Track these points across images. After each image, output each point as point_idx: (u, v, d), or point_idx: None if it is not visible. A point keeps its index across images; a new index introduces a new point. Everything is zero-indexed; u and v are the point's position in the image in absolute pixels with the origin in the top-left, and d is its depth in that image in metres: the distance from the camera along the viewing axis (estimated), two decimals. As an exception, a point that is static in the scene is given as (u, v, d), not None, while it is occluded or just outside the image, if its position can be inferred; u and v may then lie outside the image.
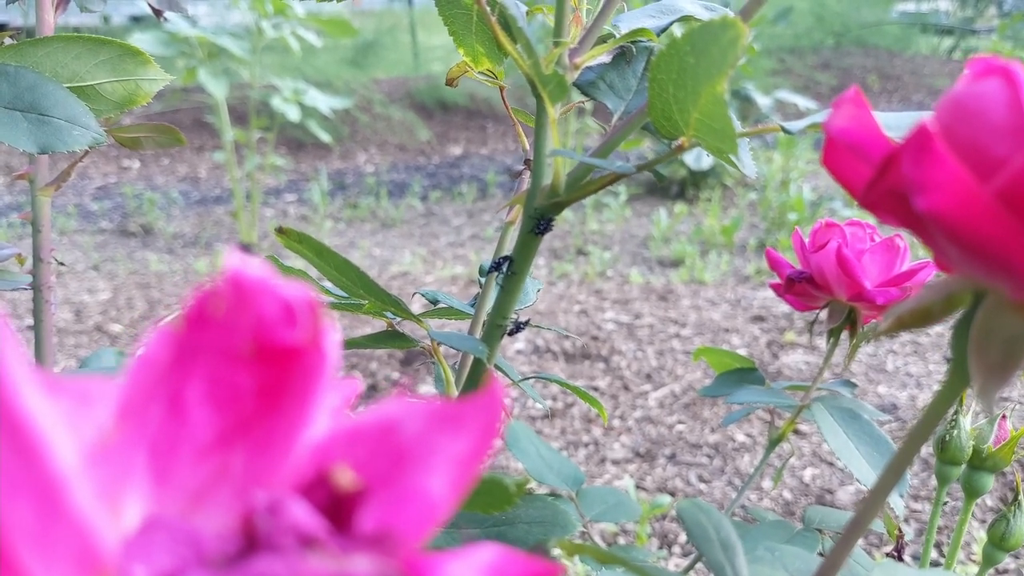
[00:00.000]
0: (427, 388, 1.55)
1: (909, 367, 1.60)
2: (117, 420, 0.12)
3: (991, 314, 0.20)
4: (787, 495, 1.20)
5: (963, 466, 0.48)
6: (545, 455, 0.59)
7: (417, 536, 0.12)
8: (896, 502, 0.44)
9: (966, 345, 0.21)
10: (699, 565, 0.69)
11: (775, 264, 0.50)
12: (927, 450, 1.18)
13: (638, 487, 1.23)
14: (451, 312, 0.45)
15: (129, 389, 0.12)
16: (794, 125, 0.30)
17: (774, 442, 0.53)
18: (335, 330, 0.14)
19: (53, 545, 0.11)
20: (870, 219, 0.50)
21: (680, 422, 1.41)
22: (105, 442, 0.12)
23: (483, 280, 0.46)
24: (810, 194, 2.61)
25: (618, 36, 0.36)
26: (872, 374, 1.57)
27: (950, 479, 0.48)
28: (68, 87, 0.41)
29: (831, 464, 1.27)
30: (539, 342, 1.70)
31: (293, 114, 2.81)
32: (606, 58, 0.37)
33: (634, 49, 0.38)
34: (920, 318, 0.22)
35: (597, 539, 1.07)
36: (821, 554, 0.45)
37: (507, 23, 0.32)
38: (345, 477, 0.12)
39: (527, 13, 0.39)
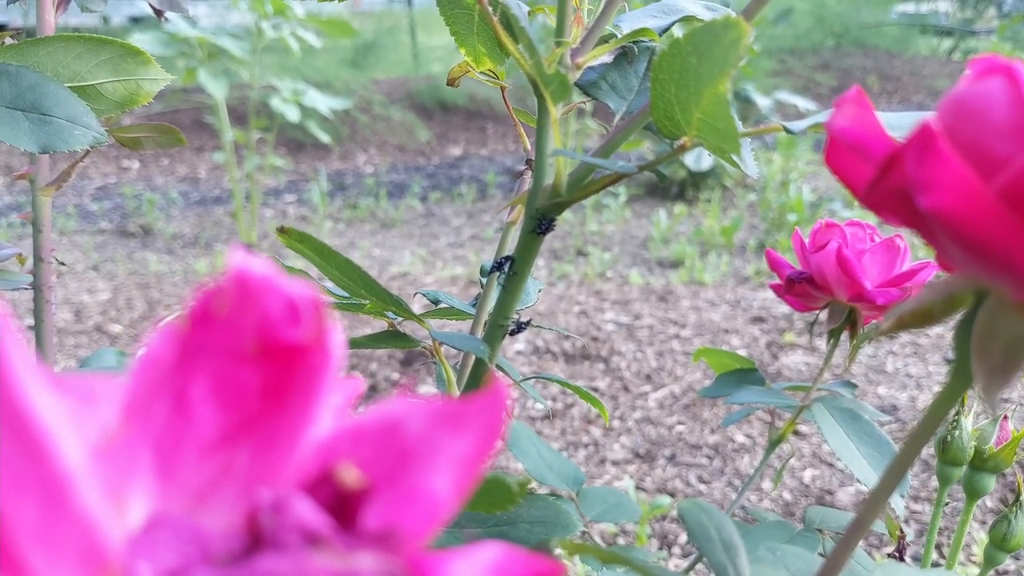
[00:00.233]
0: (427, 388, 1.55)
1: (909, 368, 1.60)
2: (122, 418, 0.12)
3: (993, 314, 0.20)
4: (787, 496, 1.20)
5: (964, 467, 0.48)
6: (545, 455, 0.59)
7: (421, 535, 0.12)
8: (897, 503, 0.44)
9: (968, 346, 0.21)
10: (699, 566, 0.69)
11: (775, 265, 0.50)
12: (928, 451, 1.18)
13: (638, 488, 1.23)
14: (452, 312, 0.45)
15: (134, 387, 0.12)
16: (796, 125, 0.30)
17: (774, 443, 0.53)
18: (339, 329, 0.14)
19: (59, 543, 0.11)
20: (870, 219, 0.50)
21: (680, 423, 1.41)
22: (110, 440, 0.12)
23: (484, 280, 0.46)
24: (810, 195, 2.62)
25: (620, 36, 0.36)
26: (872, 375, 1.57)
27: (951, 480, 0.48)
28: (69, 87, 0.41)
29: (831, 465, 1.27)
30: (539, 343, 1.70)
31: (293, 115, 2.81)
32: (608, 58, 0.37)
33: (636, 49, 0.38)
34: (921, 318, 0.22)
35: (597, 539, 1.07)
36: (822, 554, 0.45)
37: (509, 23, 0.32)
38: (350, 475, 0.12)
39: (528, 13, 0.39)
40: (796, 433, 1.36)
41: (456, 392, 0.42)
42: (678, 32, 0.30)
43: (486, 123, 4.10)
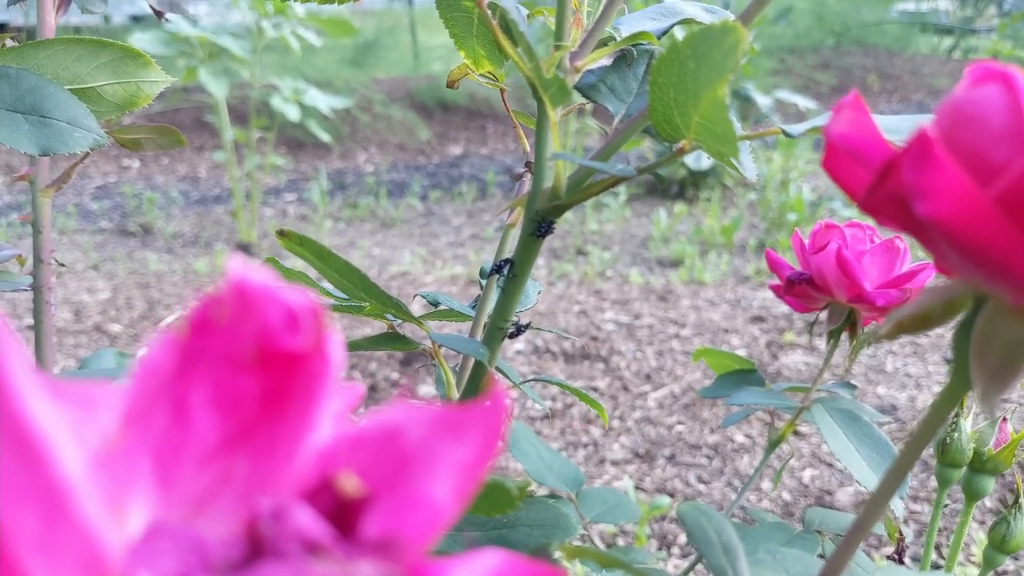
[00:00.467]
0: (427, 389, 1.55)
1: (908, 368, 1.60)
2: (121, 425, 0.12)
3: (992, 319, 0.20)
4: (786, 496, 1.20)
5: (963, 469, 0.48)
6: (545, 456, 0.59)
7: (421, 542, 0.13)
8: (896, 504, 0.44)
9: (967, 349, 0.21)
10: (699, 566, 0.69)
11: (775, 265, 0.50)
12: (927, 451, 1.18)
13: (637, 488, 1.23)
14: (452, 314, 0.45)
15: (133, 395, 0.13)
16: (795, 129, 0.30)
17: (774, 443, 0.53)
18: (338, 335, 0.14)
19: (58, 552, 0.11)
20: (870, 220, 0.50)
21: (679, 423, 1.41)
22: (110, 448, 0.12)
23: (484, 282, 0.46)
24: (810, 194, 2.62)
25: (619, 39, 0.36)
26: (871, 375, 1.57)
27: (951, 481, 0.48)
28: (69, 89, 0.41)
29: (830, 465, 1.27)
30: (539, 342, 1.70)
31: (293, 114, 2.81)
32: (607, 61, 0.37)
33: (635, 52, 0.38)
34: (921, 323, 0.22)
35: (596, 540, 1.07)
36: (821, 556, 0.45)
37: (508, 26, 0.32)
38: (350, 483, 0.12)
39: (527, 15, 0.39)
40: (796, 433, 1.36)
41: (455, 394, 0.42)
42: (677, 35, 0.30)
43: (486, 122, 4.10)
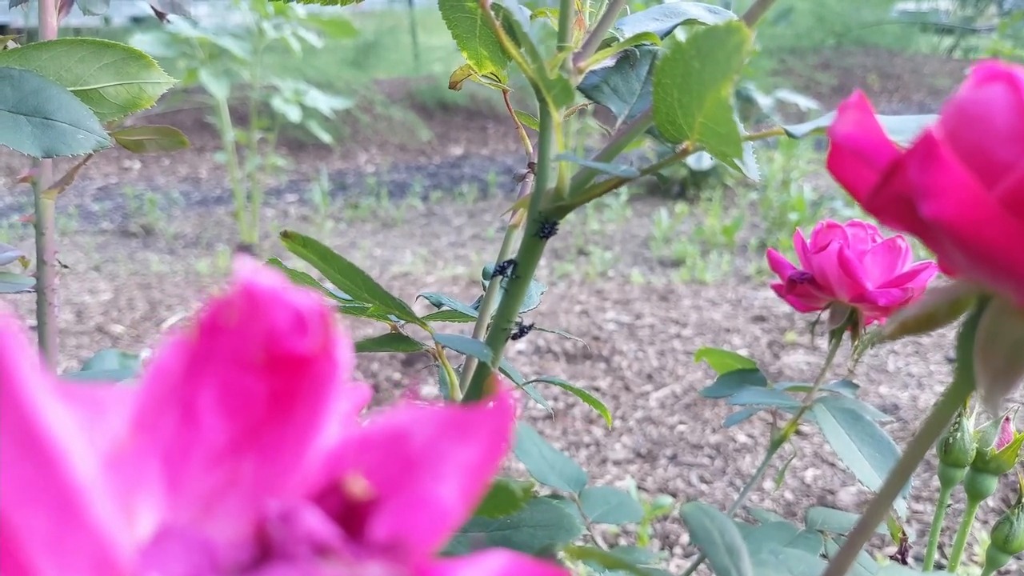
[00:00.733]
0: (429, 389, 1.55)
1: (911, 367, 1.60)
2: (131, 428, 0.12)
3: (996, 319, 0.20)
4: (789, 496, 1.20)
5: (966, 468, 0.48)
6: (547, 456, 0.59)
7: (428, 543, 0.13)
8: (899, 504, 0.44)
9: (971, 349, 0.21)
10: (701, 566, 0.69)
11: (776, 265, 0.50)
12: (930, 451, 1.18)
13: (639, 488, 1.23)
14: (454, 315, 0.45)
15: (142, 397, 0.13)
16: (798, 129, 0.30)
17: (776, 443, 0.53)
18: (345, 338, 0.14)
19: (69, 553, 0.11)
20: (872, 220, 0.50)
21: (681, 423, 1.41)
22: (119, 450, 0.12)
23: (487, 283, 0.46)
24: (811, 194, 2.61)
25: (622, 40, 0.36)
26: (873, 374, 1.57)
27: (953, 481, 0.48)
28: (72, 91, 0.41)
29: (833, 465, 1.27)
30: (540, 342, 1.70)
31: (294, 114, 2.81)
32: (610, 62, 0.37)
33: (638, 53, 0.38)
34: (925, 323, 0.22)
35: (599, 540, 1.07)
36: (824, 555, 0.45)
37: (511, 27, 0.32)
38: (357, 485, 0.12)
39: (530, 16, 0.39)
40: (798, 433, 1.36)
41: (459, 395, 0.42)
42: (680, 36, 0.30)
43: (487, 123, 4.10)
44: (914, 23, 6.13)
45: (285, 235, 0.34)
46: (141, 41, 2.38)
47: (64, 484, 0.10)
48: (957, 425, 0.47)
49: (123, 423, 0.12)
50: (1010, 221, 0.17)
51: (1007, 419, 0.47)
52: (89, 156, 0.44)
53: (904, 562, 0.46)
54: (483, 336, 0.44)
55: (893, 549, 1.02)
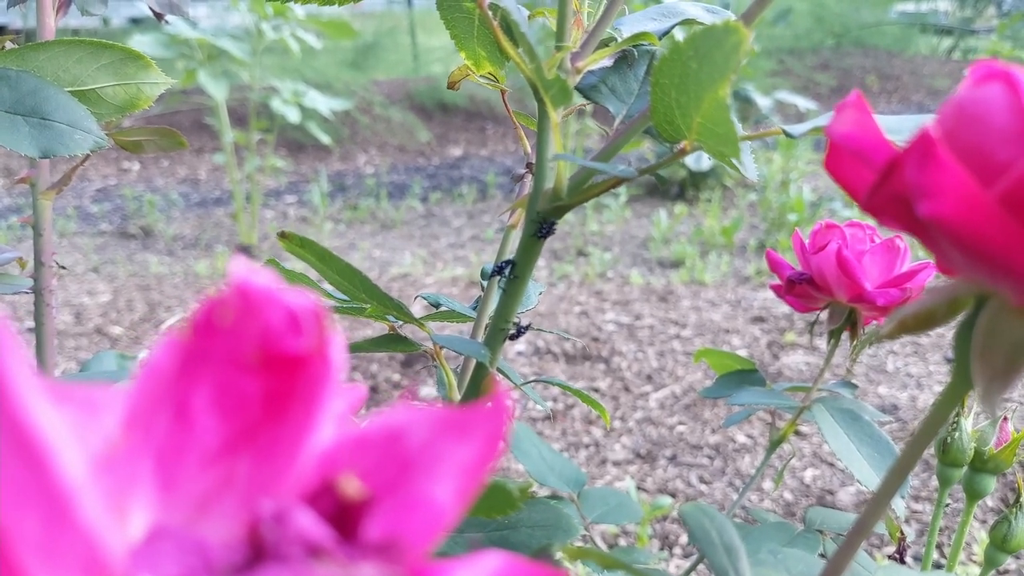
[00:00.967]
0: (428, 390, 1.55)
1: (910, 368, 1.60)
2: (124, 428, 0.12)
3: (994, 318, 0.20)
4: (788, 496, 1.20)
5: (965, 468, 0.48)
6: (547, 457, 0.59)
7: (423, 544, 0.12)
8: (898, 503, 0.44)
9: (969, 349, 0.21)
10: (700, 567, 0.69)
11: (775, 265, 0.50)
12: (928, 451, 1.18)
13: (639, 488, 1.23)
14: (453, 315, 0.45)
15: (136, 397, 0.13)
16: (796, 129, 0.30)
17: (775, 443, 0.53)
18: (340, 337, 0.14)
19: (60, 555, 0.11)
20: (870, 220, 0.50)
21: (681, 423, 1.41)
22: (112, 450, 0.12)
23: (485, 283, 0.46)
24: (810, 195, 2.61)
25: (620, 40, 0.36)
26: (872, 375, 1.57)
27: (952, 481, 0.48)
28: (70, 91, 0.41)
29: (832, 465, 1.27)
30: (540, 343, 1.70)
31: (293, 116, 2.81)
32: (608, 62, 0.37)
33: (636, 53, 0.38)
34: (924, 322, 0.22)
35: (598, 540, 1.07)
36: (823, 555, 0.45)
37: (509, 27, 0.32)
38: (351, 486, 0.12)
39: (528, 16, 0.39)
40: (797, 433, 1.36)
41: (457, 395, 0.42)
42: (678, 36, 0.30)
43: (486, 124, 4.10)
44: (913, 24, 6.13)
45: (282, 235, 0.34)
46: (140, 42, 2.38)
47: (53, 484, 0.10)
48: (955, 425, 0.47)
49: (116, 423, 0.12)
50: (1007, 220, 0.17)
51: (1005, 418, 0.47)
52: (87, 157, 0.44)
53: (903, 561, 0.46)
54: (481, 336, 0.44)
55: (892, 549, 1.02)
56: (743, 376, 0.54)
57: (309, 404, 0.13)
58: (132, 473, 0.12)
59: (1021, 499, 0.47)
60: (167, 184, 3.31)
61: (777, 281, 0.50)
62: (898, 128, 0.26)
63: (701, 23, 0.36)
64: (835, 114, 0.20)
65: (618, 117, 0.37)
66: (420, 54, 4.94)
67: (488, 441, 0.13)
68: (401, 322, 0.41)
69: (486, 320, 0.45)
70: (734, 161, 0.30)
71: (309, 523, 0.12)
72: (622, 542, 1.10)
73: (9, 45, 0.43)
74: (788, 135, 0.30)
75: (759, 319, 1.85)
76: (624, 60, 0.38)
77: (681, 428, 1.40)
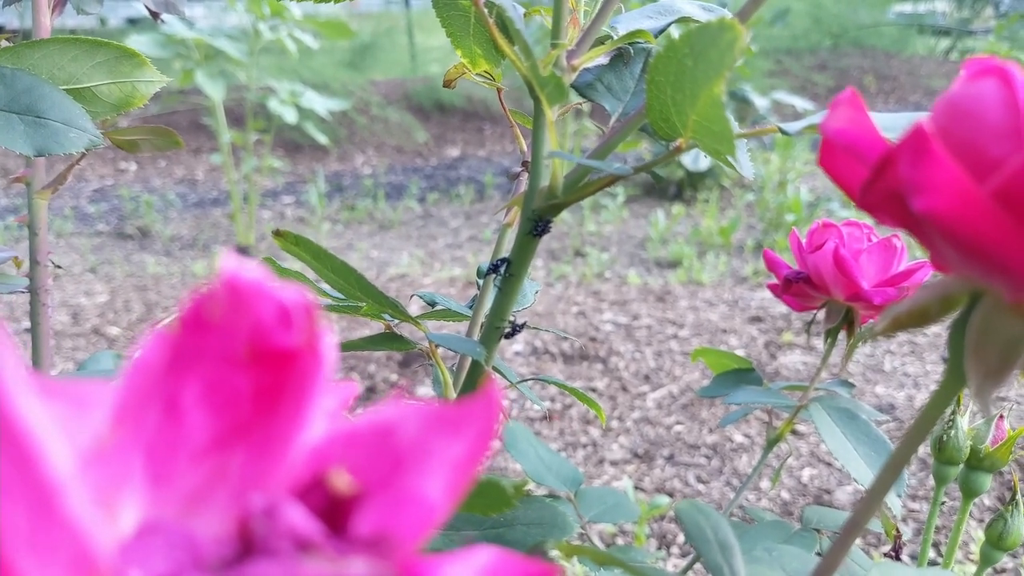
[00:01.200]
0: (425, 390, 1.54)
1: (906, 367, 1.60)
2: (113, 424, 0.12)
3: (988, 315, 0.20)
4: (785, 495, 1.20)
5: (961, 466, 0.48)
6: (544, 456, 0.59)
7: (414, 539, 0.12)
8: (894, 502, 0.44)
9: (963, 346, 0.21)
10: (697, 566, 0.69)
11: (772, 265, 0.50)
12: (924, 450, 1.18)
13: (636, 488, 1.23)
14: (449, 314, 0.45)
15: (125, 392, 0.12)
16: (792, 126, 0.30)
17: (772, 442, 0.53)
18: (331, 333, 0.14)
19: (48, 550, 0.11)
20: (867, 219, 0.50)
21: (678, 423, 1.41)
22: (101, 446, 0.12)
23: (481, 282, 0.46)
24: (807, 195, 2.62)
25: (616, 37, 0.36)
26: (869, 374, 1.57)
27: (948, 479, 0.48)
28: (65, 89, 0.41)
29: (829, 464, 1.27)
30: (537, 343, 1.70)
31: (290, 116, 2.81)
32: (604, 60, 0.37)
33: (631, 51, 0.38)
34: (917, 318, 0.22)
35: (596, 539, 1.07)
36: (819, 554, 0.45)
37: (504, 25, 0.32)
38: (341, 481, 0.12)
39: (524, 14, 0.39)
40: (794, 432, 1.36)
41: (453, 394, 0.42)
42: (674, 34, 0.30)
43: (483, 124, 4.10)
44: (911, 25, 6.14)
45: (277, 233, 0.34)
46: (136, 42, 2.38)
47: (41, 480, 0.10)
48: (951, 423, 0.47)
49: (105, 418, 0.12)
50: (1001, 216, 0.17)
51: (1001, 416, 0.47)
52: (83, 156, 0.44)
53: (899, 559, 0.46)
54: (477, 335, 0.44)
55: (889, 547, 1.02)
56: (740, 375, 0.54)
57: (300, 399, 0.13)
58: (121, 468, 0.12)
59: (1017, 497, 0.47)
60: (164, 184, 3.31)
61: (774, 281, 0.50)
62: (892, 125, 0.26)
63: (697, 21, 0.36)
64: (829, 110, 0.20)
65: (614, 115, 0.37)
66: (418, 54, 4.94)
67: (479, 437, 0.13)
68: (397, 321, 0.41)
69: (482, 319, 0.45)
70: (730, 159, 0.30)
71: (299, 518, 0.12)
72: (620, 541, 1.10)
73: (4, 43, 0.43)
74: (784, 132, 0.30)
75: (756, 319, 1.85)
76: (620, 58, 0.38)
77: (679, 428, 1.40)
